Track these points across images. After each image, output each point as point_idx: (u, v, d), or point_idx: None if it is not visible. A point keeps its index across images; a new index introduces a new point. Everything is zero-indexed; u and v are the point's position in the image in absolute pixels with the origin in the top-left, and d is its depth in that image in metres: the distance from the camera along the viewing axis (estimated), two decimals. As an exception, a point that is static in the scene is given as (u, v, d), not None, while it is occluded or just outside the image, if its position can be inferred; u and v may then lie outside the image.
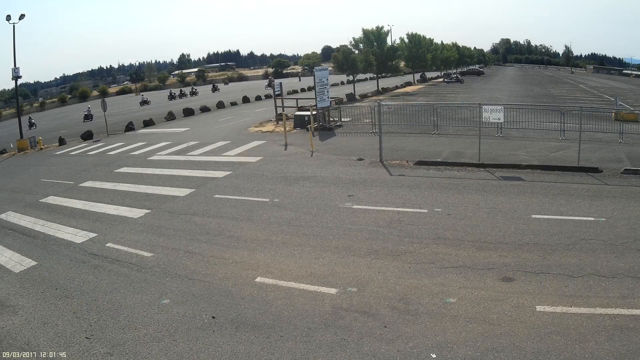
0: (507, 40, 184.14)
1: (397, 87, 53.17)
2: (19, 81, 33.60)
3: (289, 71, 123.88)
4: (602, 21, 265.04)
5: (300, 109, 26.32)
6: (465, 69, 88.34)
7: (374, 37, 43.64)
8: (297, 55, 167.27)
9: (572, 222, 9.20)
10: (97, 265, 9.04)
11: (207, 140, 22.63)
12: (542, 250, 8.06)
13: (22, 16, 31.10)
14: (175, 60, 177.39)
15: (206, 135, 24.65)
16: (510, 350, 5.47)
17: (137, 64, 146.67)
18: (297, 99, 30.18)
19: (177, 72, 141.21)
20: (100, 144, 26.39)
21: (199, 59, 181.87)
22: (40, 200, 14.79)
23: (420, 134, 18.93)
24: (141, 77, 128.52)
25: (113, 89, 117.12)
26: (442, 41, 73.51)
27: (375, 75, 48.19)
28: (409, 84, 57.63)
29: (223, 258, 8.82)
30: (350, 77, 42.71)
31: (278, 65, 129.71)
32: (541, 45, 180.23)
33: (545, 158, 14.38)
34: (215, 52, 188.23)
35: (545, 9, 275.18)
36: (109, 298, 7.65)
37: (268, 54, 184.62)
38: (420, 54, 56.14)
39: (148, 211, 12.25)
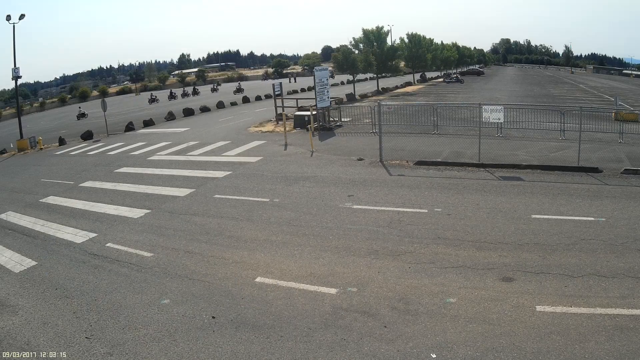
0: (507, 40, 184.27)
1: (397, 87, 53.17)
2: (19, 81, 33.63)
3: (288, 71, 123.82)
4: (602, 21, 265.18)
5: (300, 109, 26.32)
6: (465, 69, 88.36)
7: (374, 37, 43.63)
8: (297, 55, 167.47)
9: (572, 222, 9.20)
10: (97, 265, 9.04)
11: (207, 140, 22.63)
12: (542, 250, 8.06)
13: (22, 16, 31.10)
14: (175, 60, 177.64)
15: (206, 135, 24.65)
16: (510, 350, 5.47)
17: (137, 64, 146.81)
18: (297, 99, 30.18)
19: (177, 72, 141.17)
20: (100, 144, 26.39)
21: (199, 59, 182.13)
22: (40, 200, 14.79)
23: (420, 134, 18.93)
24: (141, 77, 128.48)
25: (113, 89, 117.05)
26: (442, 41, 73.61)
27: (375, 75, 48.19)
28: (409, 84, 57.64)
29: (223, 258, 8.82)
30: (350, 77, 42.71)
31: (278, 65, 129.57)
32: (541, 45, 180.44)
33: (545, 158, 14.38)
34: (215, 52, 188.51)
35: (545, 9, 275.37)
36: (109, 298, 7.64)
37: (268, 54, 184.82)
38: (420, 54, 56.15)
39: (148, 211, 12.25)
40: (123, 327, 6.72)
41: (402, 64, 51.82)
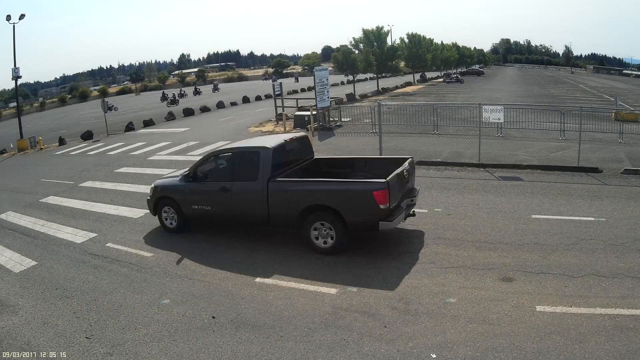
0: (507, 40, 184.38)
1: (397, 87, 53.20)
2: (19, 81, 33.62)
3: (289, 71, 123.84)
4: (602, 21, 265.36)
5: (300, 109, 26.32)
6: (465, 69, 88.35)
7: (374, 37, 43.67)
8: (297, 55, 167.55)
9: (572, 222, 9.20)
10: (97, 265, 9.04)
11: (207, 140, 22.62)
12: (542, 250, 8.06)
13: (22, 16, 31.07)
14: (175, 60, 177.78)
15: (206, 135, 24.64)
16: (510, 350, 5.47)
17: (137, 64, 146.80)
18: (297, 99, 30.20)
19: (177, 72, 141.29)
20: (100, 144, 26.38)
21: (199, 59, 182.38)
22: (40, 200, 14.78)
23: (420, 134, 18.93)
24: (141, 77, 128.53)
25: (113, 89, 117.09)
26: (442, 41, 73.66)
27: (375, 75, 48.20)
28: (409, 84, 57.67)
29: (223, 258, 8.82)
30: (350, 77, 42.73)
31: (278, 65, 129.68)
32: (541, 45, 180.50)
33: (545, 158, 14.38)
34: (215, 52, 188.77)
35: (545, 9, 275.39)
36: (109, 298, 7.64)
37: (268, 54, 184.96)
38: (420, 54, 56.16)
39: (148, 211, 12.23)
40: (123, 327, 6.72)
41: (402, 64, 51.83)
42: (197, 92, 67.99)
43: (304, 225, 8.55)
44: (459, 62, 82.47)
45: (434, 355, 5.51)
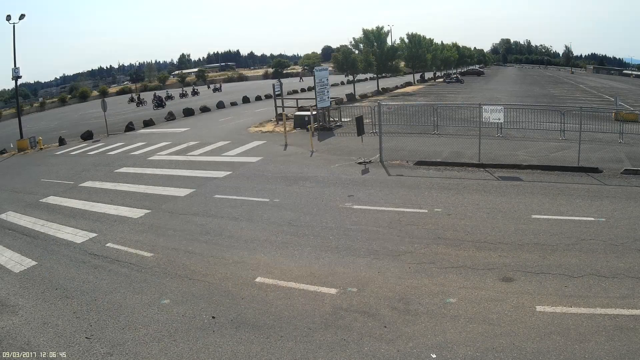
0: (507, 40, 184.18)
1: (397, 87, 53.16)
2: (19, 81, 33.62)
3: (289, 71, 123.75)
4: (602, 21, 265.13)
5: (301, 109, 26.32)
6: (465, 69, 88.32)
7: (374, 37, 43.63)
8: (297, 55, 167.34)
9: (572, 222, 9.20)
10: (97, 265, 9.04)
11: (207, 140, 22.62)
12: (542, 250, 8.06)
13: (22, 16, 31.08)
14: (175, 60, 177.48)
15: (206, 135, 24.65)
16: (510, 350, 5.47)
17: (137, 64, 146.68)
18: (297, 99, 30.18)
19: (177, 72, 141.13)
20: (100, 144, 26.38)
21: (199, 59, 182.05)
22: (40, 200, 14.78)
23: (420, 134, 18.92)
24: (141, 77, 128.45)
25: (113, 89, 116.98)
26: (442, 41, 73.54)
27: (375, 76, 48.19)
28: (409, 84, 57.64)
29: (223, 258, 8.82)
30: (350, 77, 42.72)
31: (278, 65, 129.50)
32: (541, 45, 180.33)
33: (545, 158, 14.38)
34: (215, 52, 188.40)
35: (545, 9, 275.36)
36: (109, 298, 7.64)
37: (268, 54, 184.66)
38: (420, 54, 56.13)
39: (148, 211, 12.25)
40: (123, 327, 6.72)
41: (402, 64, 51.81)
42: (194, 93, 67.76)
43: None
44: (459, 62, 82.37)
45: (434, 355, 5.51)
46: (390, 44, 47.54)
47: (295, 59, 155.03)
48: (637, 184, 11.55)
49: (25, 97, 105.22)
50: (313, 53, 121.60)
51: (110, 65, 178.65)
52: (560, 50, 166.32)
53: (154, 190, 14.33)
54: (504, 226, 9.24)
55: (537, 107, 23.20)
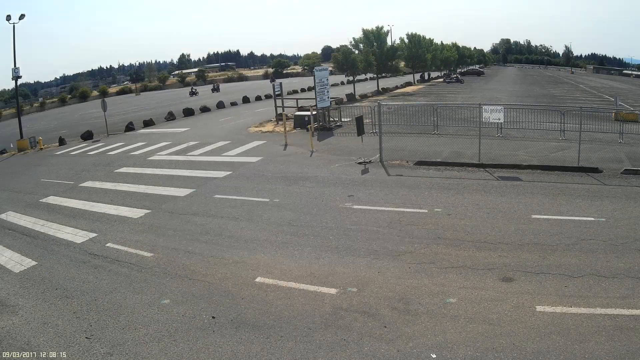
0: (507, 40, 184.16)
1: (397, 87, 53.18)
2: (19, 81, 33.62)
3: (289, 71, 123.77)
4: (602, 21, 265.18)
5: (300, 109, 26.32)
6: (465, 69, 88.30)
7: (374, 37, 43.63)
8: (297, 55, 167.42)
9: (572, 222, 9.20)
10: (97, 265, 9.04)
11: (207, 140, 22.63)
12: (542, 250, 8.06)
13: (22, 16, 31.10)
14: (175, 60, 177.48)
15: (206, 135, 24.65)
16: (510, 350, 5.47)
17: (137, 64, 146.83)
18: (297, 99, 30.18)
19: (177, 72, 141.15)
20: (100, 144, 26.39)
21: (199, 59, 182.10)
22: (40, 200, 14.78)
23: (420, 134, 18.92)
24: (141, 77, 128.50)
25: (113, 89, 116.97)
26: (442, 41, 73.53)
27: (375, 76, 48.18)
28: (409, 84, 57.64)
29: (223, 258, 8.82)
30: (350, 77, 42.72)
31: (278, 65, 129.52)
32: (541, 45, 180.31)
33: (545, 158, 14.38)
34: (215, 52, 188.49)
35: (545, 9, 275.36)
36: (109, 298, 7.64)
37: (268, 54, 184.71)
38: (420, 54, 56.12)
39: (148, 211, 12.25)
40: (123, 327, 6.72)
41: (402, 64, 51.80)
42: (193, 93, 67.99)
43: None
44: (459, 62, 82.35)
45: (434, 355, 5.51)
46: (390, 44, 47.56)
47: (295, 59, 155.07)
48: (637, 184, 11.55)
49: (25, 97, 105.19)
50: (313, 53, 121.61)
51: (110, 65, 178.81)
52: (560, 50, 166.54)
53: (154, 190, 14.33)
54: (504, 226, 9.24)
55: (537, 107, 23.20)
